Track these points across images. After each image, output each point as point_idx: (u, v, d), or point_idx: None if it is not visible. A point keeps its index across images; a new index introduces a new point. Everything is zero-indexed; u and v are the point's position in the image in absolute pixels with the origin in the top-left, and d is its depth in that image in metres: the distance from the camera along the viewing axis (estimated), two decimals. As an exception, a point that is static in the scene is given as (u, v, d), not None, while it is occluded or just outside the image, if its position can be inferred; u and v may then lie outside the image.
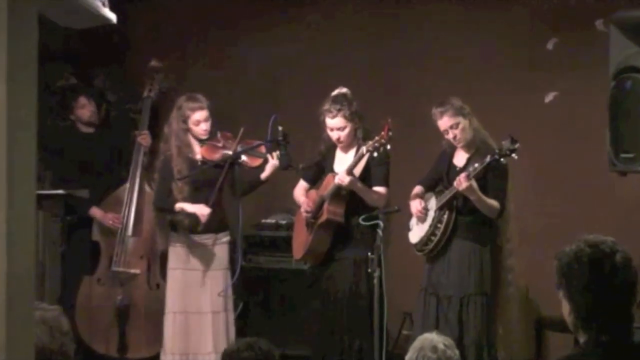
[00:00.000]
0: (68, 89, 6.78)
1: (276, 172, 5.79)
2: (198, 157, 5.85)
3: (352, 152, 5.67)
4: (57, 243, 6.85)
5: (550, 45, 6.23)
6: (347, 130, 5.61)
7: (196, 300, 5.83)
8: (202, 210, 5.71)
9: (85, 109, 6.58)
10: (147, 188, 6.47)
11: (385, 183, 5.61)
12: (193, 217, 5.77)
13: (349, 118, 5.58)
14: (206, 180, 5.77)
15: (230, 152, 5.70)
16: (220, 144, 5.79)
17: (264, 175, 5.84)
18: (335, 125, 5.61)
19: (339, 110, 5.56)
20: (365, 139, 5.57)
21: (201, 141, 5.83)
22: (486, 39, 6.74)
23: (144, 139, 6.43)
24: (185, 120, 5.80)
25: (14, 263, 2.22)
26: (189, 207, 5.75)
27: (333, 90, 5.71)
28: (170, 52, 7.32)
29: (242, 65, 7.41)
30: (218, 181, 5.69)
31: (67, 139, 6.60)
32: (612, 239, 2.59)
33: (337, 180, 5.49)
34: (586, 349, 2.56)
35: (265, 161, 5.77)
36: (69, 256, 6.66)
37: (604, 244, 2.56)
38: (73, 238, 6.62)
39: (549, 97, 6.31)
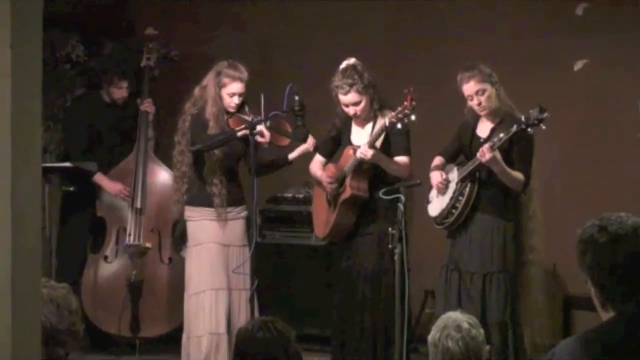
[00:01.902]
0: (112, 65, 6.64)
1: (298, 147, 5.67)
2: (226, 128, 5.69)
3: (370, 124, 5.54)
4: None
5: (579, 11, 6.05)
6: (362, 104, 5.49)
7: (219, 278, 5.63)
8: (263, 129, 5.44)
9: (122, 90, 6.52)
10: (153, 160, 6.35)
11: (407, 152, 5.50)
12: (224, 191, 5.59)
13: (363, 91, 5.46)
14: (231, 154, 5.61)
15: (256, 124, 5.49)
16: (249, 118, 5.62)
17: (292, 155, 5.73)
18: (350, 101, 5.48)
19: (351, 85, 5.43)
20: (382, 108, 5.43)
21: (229, 113, 5.66)
22: (513, 3, 6.61)
23: (148, 106, 6.32)
24: (221, 87, 5.60)
25: (20, 239, 2.19)
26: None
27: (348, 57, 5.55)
28: (177, 21, 7.21)
29: (253, 32, 7.29)
30: (255, 156, 5.44)
31: (89, 106, 6.51)
32: (629, 214, 2.51)
33: (359, 154, 5.36)
34: (611, 322, 2.50)
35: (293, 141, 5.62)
36: (65, 232, 6.51)
37: (622, 222, 2.48)
38: (71, 212, 6.46)
39: (579, 65, 6.14)
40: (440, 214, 5.39)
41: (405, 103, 5.13)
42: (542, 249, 5.48)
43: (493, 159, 5.06)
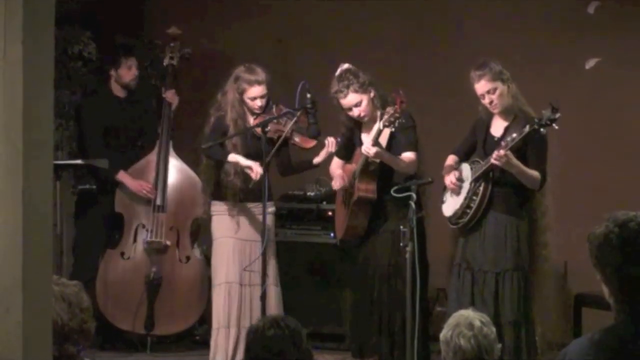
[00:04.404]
0: (120, 46, 6.61)
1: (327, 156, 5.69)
2: None
3: (376, 124, 5.54)
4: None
5: (591, 9, 6.01)
6: (364, 104, 5.52)
7: (233, 272, 5.65)
8: (257, 167, 5.51)
9: (132, 70, 6.46)
10: (173, 158, 6.34)
11: (413, 148, 5.51)
12: (243, 181, 5.63)
13: (360, 90, 5.49)
14: (257, 153, 5.60)
15: (284, 129, 5.56)
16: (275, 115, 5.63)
17: (317, 159, 5.74)
18: (351, 102, 5.51)
19: (348, 86, 5.48)
20: (384, 106, 5.45)
21: (255, 113, 5.68)
22: (524, 1, 6.57)
23: (171, 96, 6.35)
24: (241, 92, 5.65)
25: (30, 236, 2.16)
26: (244, 161, 5.57)
27: (360, 57, 5.55)
28: (188, 17, 7.20)
29: (263, 30, 7.27)
30: (269, 154, 5.49)
31: (101, 102, 6.47)
32: None
33: (363, 150, 5.38)
34: (623, 323, 2.47)
35: (319, 145, 5.64)
36: (81, 228, 6.51)
37: (633, 221, 2.46)
38: (87, 209, 6.46)
39: (591, 63, 6.10)
40: (454, 214, 5.39)
41: (395, 106, 5.17)
42: (558, 245, 5.48)
43: (508, 162, 5.05)
